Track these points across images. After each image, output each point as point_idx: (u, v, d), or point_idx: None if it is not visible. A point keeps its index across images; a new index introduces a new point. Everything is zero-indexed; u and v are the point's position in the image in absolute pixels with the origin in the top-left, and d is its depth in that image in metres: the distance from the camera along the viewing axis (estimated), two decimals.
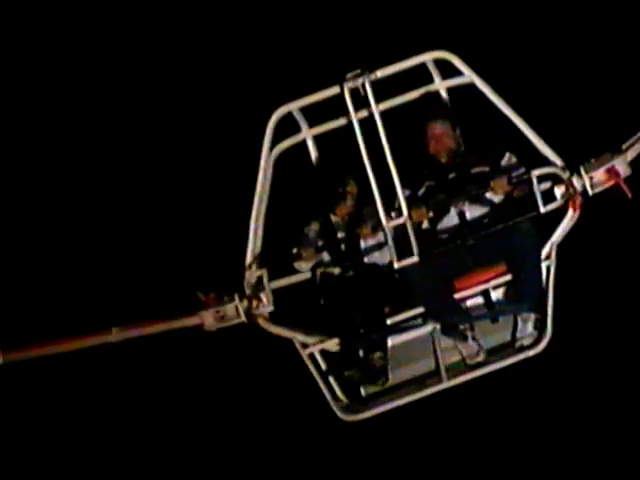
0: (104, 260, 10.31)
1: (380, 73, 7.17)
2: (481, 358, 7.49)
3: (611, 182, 7.10)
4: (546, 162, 7.29)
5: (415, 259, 7.09)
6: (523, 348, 7.49)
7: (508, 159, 7.42)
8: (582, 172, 7.13)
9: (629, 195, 7.15)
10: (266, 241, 7.57)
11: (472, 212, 7.36)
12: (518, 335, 7.54)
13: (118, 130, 10.52)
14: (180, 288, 8.18)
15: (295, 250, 7.45)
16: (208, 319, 7.30)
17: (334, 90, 7.17)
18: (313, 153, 7.81)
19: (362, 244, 7.50)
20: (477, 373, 7.49)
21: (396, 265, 7.15)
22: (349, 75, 7.11)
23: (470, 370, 7.51)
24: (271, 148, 7.44)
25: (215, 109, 9.98)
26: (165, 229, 10.01)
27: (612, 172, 7.09)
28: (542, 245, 7.27)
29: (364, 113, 7.19)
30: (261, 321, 7.32)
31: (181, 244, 9.99)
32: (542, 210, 7.13)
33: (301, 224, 7.77)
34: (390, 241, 7.12)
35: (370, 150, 7.15)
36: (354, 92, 7.15)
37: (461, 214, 7.35)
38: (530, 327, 7.47)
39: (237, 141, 9.02)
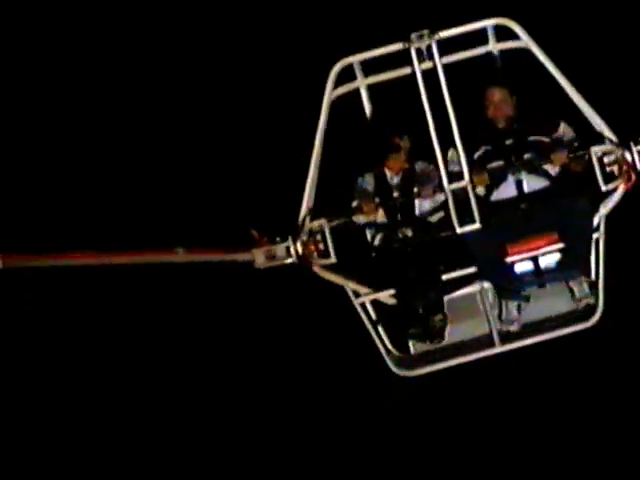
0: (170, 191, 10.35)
1: (443, 34, 7.29)
2: (514, 328, 7.68)
3: None
4: (598, 136, 7.39)
5: (477, 226, 7.22)
6: (578, 319, 7.65)
7: (563, 130, 7.50)
8: (632, 147, 7.24)
9: None
10: (320, 190, 7.63)
11: (530, 181, 7.44)
12: (579, 296, 7.68)
13: None
14: (238, 227, 8.33)
15: (355, 203, 7.59)
16: (259, 256, 7.38)
17: (398, 46, 7.29)
18: (367, 103, 7.97)
19: (417, 203, 7.58)
20: (531, 340, 7.66)
21: (458, 230, 7.24)
22: (414, 34, 7.23)
23: (525, 336, 7.68)
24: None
25: (282, 58, 10.03)
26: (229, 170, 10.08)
27: None
28: (593, 215, 7.38)
29: (427, 67, 7.29)
30: (316, 266, 7.44)
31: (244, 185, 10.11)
32: (603, 189, 7.26)
33: (354, 175, 7.83)
34: (452, 205, 7.23)
35: (430, 109, 7.29)
36: (418, 52, 7.27)
37: (519, 183, 7.45)
38: (586, 288, 7.63)
39: (301, 89, 9.01)
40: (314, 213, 7.52)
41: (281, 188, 8.60)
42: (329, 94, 7.50)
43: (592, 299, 7.60)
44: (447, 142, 7.36)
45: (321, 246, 7.41)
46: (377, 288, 7.55)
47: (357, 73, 7.73)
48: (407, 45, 7.24)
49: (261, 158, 9.83)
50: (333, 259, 7.43)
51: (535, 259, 7.39)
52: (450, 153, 7.38)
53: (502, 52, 7.83)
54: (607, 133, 7.33)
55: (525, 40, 7.42)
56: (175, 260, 7.21)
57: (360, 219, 7.58)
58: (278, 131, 9.62)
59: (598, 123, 7.36)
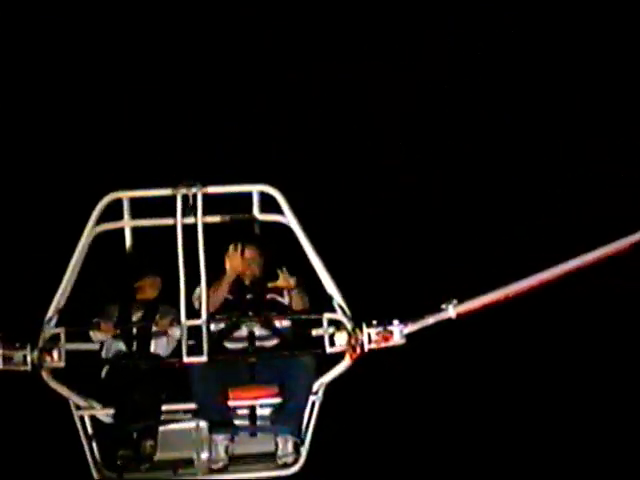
0: None
1: (211, 190, 7.85)
2: (221, 465, 7.96)
3: (382, 344, 7.75)
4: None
5: (204, 359, 7.62)
6: (282, 466, 7.95)
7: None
8: (363, 328, 7.74)
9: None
10: (71, 306, 7.94)
11: (261, 334, 7.95)
12: (279, 453, 8.01)
13: None
14: None
15: (96, 320, 7.97)
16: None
17: (166, 191, 7.83)
18: (128, 241, 8.48)
19: (153, 337, 8.09)
20: (231, 477, 7.99)
21: (185, 360, 7.64)
22: (184, 182, 7.78)
23: (226, 473, 8.00)
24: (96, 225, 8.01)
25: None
26: None
27: (387, 336, 7.76)
28: (315, 380, 7.83)
29: (189, 220, 7.76)
30: (44, 374, 7.65)
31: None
32: (328, 351, 7.76)
33: (105, 301, 8.27)
34: (185, 336, 7.64)
35: (184, 252, 7.74)
36: (183, 199, 7.80)
37: (251, 335, 7.94)
38: (290, 447, 7.95)
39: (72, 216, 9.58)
40: (57, 323, 7.78)
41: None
42: (91, 226, 7.89)
43: (291, 459, 7.93)
44: (195, 283, 7.78)
45: (55, 354, 7.64)
46: (102, 404, 7.85)
47: (125, 211, 8.16)
48: (174, 192, 7.77)
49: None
50: (62, 364, 7.64)
51: (252, 408, 7.81)
52: (197, 291, 7.79)
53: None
54: (344, 307, 7.79)
55: (286, 214, 7.95)
56: None
57: (97, 336, 7.98)
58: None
59: (336, 296, 7.82)
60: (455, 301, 7.79)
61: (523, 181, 11.44)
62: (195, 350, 7.73)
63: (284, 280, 8.04)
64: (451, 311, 7.75)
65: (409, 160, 11.58)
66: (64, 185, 10.52)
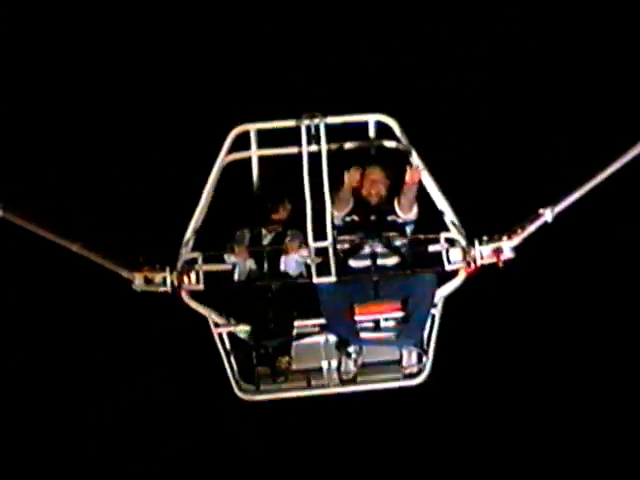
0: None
1: (331, 119, 8.41)
2: (350, 377, 8.59)
3: (494, 260, 8.32)
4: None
5: (333, 279, 8.22)
6: (407, 376, 8.56)
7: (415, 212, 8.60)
8: (476, 245, 8.32)
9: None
10: (205, 231, 8.59)
11: (383, 255, 8.43)
12: (404, 363, 8.61)
13: None
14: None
15: (230, 244, 8.50)
16: (138, 279, 8.30)
17: (291, 122, 8.42)
18: (255, 170, 8.92)
19: (283, 257, 8.53)
20: (360, 388, 8.63)
21: (315, 280, 8.24)
22: (306, 114, 8.37)
23: (355, 384, 8.62)
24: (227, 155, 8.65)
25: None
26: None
27: (498, 252, 8.33)
28: (434, 294, 8.37)
29: (313, 148, 8.38)
30: (184, 294, 8.33)
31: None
32: (447, 268, 8.32)
33: (236, 227, 8.79)
34: (313, 258, 8.26)
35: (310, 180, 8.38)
36: (307, 130, 8.40)
37: (373, 255, 8.42)
38: (414, 359, 8.53)
39: (202, 146, 9.82)
40: (193, 248, 8.45)
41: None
42: (223, 156, 8.58)
43: (415, 369, 8.56)
44: (320, 209, 8.39)
45: (193, 276, 8.32)
46: (237, 322, 8.47)
47: (252, 141, 8.73)
48: (298, 123, 8.38)
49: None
50: (201, 286, 8.32)
51: (377, 322, 8.38)
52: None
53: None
54: (458, 226, 8.41)
55: (402, 140, 8.58)
56: (72, 249, 8.21)
57: (231, 258, 8.50)
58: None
59: (451, 215, 8.45)
60: (549, 207, 8.25)
61: None
62: (323, 271, 8.29)
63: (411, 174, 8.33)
64: (548, 215, 8.21)
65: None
66: (196, 119, 10.87)
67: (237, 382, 8.59)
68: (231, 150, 8.72)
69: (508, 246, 8.36)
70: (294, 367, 8.61)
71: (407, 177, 8.26)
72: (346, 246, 8.46)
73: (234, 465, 11.61)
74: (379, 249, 8.46)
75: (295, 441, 11.29)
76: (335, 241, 8.34)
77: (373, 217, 8.54)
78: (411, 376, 8.59)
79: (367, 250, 8.45)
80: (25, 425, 11.23)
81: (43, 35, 11.33)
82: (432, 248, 8.46)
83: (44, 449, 11.25)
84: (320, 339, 8.57)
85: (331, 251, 8.28)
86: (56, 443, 11.28)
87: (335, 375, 8.60)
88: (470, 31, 11.02)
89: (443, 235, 8.37)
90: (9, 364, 11.17)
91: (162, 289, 8.34)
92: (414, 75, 11.27)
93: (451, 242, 8.46)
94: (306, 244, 8.31)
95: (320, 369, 8.69)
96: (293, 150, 8.63)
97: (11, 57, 11.33)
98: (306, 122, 8.37)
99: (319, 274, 8.27)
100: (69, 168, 11.07)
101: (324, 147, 8.39)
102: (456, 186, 8.98)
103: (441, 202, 8.52)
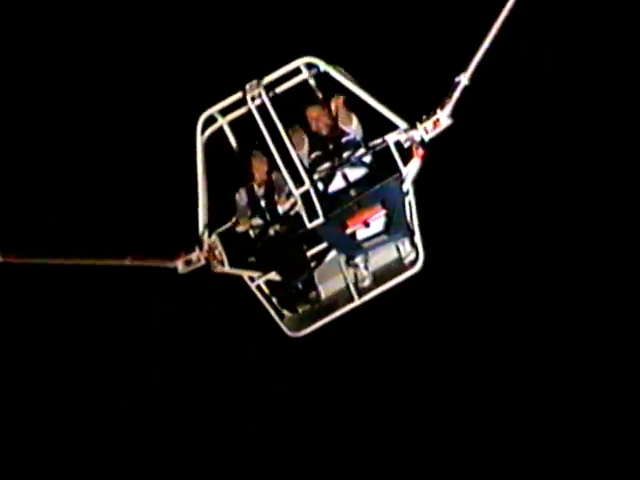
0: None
1: (267, 79, 9.72)
2: (366, 284, 10.22)
3: (437, 130, 9.65)
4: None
5: (321, 220, 9.67)
6: (410, 264, 10.18)
7: (355, 125, 9.96)
8: (418, 126, 9.66)
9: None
10: (211, 210, 10.11)
11: (352, 173, 9.88)
12: (403, 254, 10.25)
13: None
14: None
15: (234, 219, 10.13)
16: (181, 265, 10.17)
17: (238, 95, 9.76)
18: (230, 136, 10.34)
19: (279, 207, 10.00)
20: (379, 290, 10.24)
21: (308, 226, 9.70)
22: (247, 85, 9.69)
23: (374, 288, 10.26)
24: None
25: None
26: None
27: (436, 123, 9.66)
28: (401, 186, 9.84)
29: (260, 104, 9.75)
30: (217, 267, 10.02)
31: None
32: (402, 169, 9.70)
33: (232, 191, 10.31)
34: (301, 206, 9.67)
35: (272, 135, 9.70)
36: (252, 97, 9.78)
37: (344, 175, 9.89)
38: (408, 247, 10.16)
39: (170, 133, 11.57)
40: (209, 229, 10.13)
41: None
42: (200, 137, 9.95)
43: (413, 254, 10.11)
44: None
45: (217, 253, 10.00)
46: (265, 271, 10.14)
47: (217, 117, 10.01)
48: (244, 94, 9.69)
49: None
50: (226, 268, 9.98)
51: (368, 225, 9.84)
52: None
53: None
54: (398, 121, 9.69)
55: (330, 72, 9.74)
56: (126, 264, 9.97)
57: (240, 228, 10.10)
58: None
59: (389, 114, 9.71)
60: (462, 74, 9.50)
61: None
62: (311, 213, 9.67)
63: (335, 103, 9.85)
64: (464, 79, 9.54)
65: None
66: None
67: (282, 318, 10.35)
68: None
69: (444, 115, 9.66)
70: (323, 296, 10.32)
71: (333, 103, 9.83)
72: (321, 181, 9.85)
73: (234, 465, 12.59)
74: (347, 169, 9.86)
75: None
76: (313, 182, 9.65)
77: (331, 145, 9.89)
78: (413, 263, 10.12)
79: (338, 174, 9.85)
80: (25, 425, 12.12)
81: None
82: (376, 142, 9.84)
83: (44, 449, 12.14)
84: (332, 258, 10.19)
85: (313, 193, 9.60)
86: (56, 443, 12.15)
87: (355, 287, 10.19)
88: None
89: (388, 136, 9.68)
90: (9, 364, 12.14)
91: (199, 265, 10.08)
92: None
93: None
94: (291, 194, 9.69)
95: (343, 288, 10.33)
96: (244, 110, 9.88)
97: (11, 57, 12.33)
98: (250, 93, 9.66)
99: (310, 219, 9.64)
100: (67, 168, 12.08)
101: (268, 104, 9.61)
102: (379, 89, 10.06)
103: (377, 105, 9.71)
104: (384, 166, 9.84)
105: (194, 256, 10.11)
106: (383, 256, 10.31)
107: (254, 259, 10.23)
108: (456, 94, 9.62)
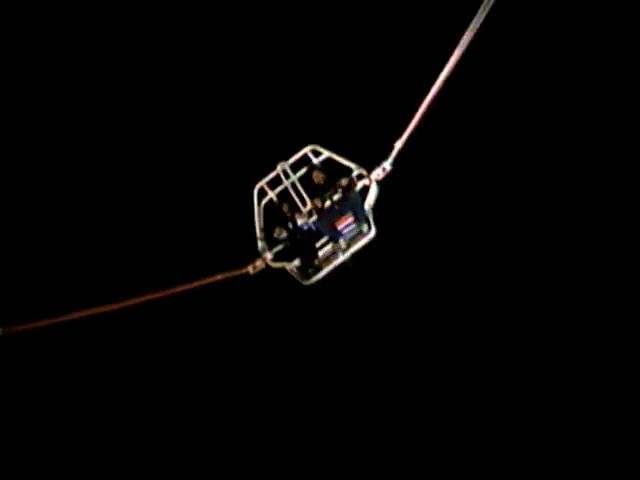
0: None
1: (290, 161, 16.66)
2: (344, 247, 17.12)
3: (384, 174, 16.22)
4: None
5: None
6: (364, 236, 16.90)
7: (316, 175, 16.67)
8: (372, 172, 16.31)
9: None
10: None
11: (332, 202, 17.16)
12: (364, 231, 16.94)
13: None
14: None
15: (276, 230, 16.92)
16: (251, 269, 16.69)
17: (274, 174, 16.83)
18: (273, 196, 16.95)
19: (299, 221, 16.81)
20: (352, 250, 16.95)
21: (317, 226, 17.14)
22: (279, 165, 16.74)
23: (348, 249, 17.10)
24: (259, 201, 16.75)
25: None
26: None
27: (384, 170, 16.16)
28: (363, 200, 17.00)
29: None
30: (271, 263, 16.83)
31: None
32: (367, 202, 16.86)
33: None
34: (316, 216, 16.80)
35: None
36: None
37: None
38: (366, 227, 16.89)
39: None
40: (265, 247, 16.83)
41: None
42: (257, 206, 16.83)
43: (365, 227, 16.76)
44: None
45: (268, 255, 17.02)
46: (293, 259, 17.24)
47: (266, 189, 16.89)
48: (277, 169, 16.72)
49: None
50: (279, 264, 16.84)
51: (347, 224, 16.96)
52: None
53: None
54: (355, 167, 16.54)
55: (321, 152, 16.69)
56: (215, 281, 15.74)
57: (276, 234, 17.00)
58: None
59: (349, 164, 16.53)
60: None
61: None
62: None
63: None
64: (399, 143, 15.66)
65: None
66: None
67: (306, 279, 17.10)
68: None
69: (387, 164, 15.95)
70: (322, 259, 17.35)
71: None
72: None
73: (233, 465, 14.37)
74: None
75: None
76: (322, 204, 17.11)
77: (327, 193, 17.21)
78: (368, 233, 16.90)
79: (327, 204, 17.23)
80: (25, 425, 12.52)
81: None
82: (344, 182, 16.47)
83: (44, 449, 12.51)
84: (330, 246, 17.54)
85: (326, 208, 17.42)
86: (56, 443, 12.55)
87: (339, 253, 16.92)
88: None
89: (354, 174, 16.46)
90: (9, 364, 12.73)
91: (260, 268, 16.68)
92: None
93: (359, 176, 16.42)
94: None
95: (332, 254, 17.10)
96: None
97: (11, 57, 13.53)
98: (279, 169, 16.66)
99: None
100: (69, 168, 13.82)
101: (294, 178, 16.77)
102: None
103: (345, 161, 16.49)
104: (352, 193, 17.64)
105: (258, 262, 16.79)
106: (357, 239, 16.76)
107: (289, 251, 16.91)
108: (393, 153, 15.60)
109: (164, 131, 15.63)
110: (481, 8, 12.15)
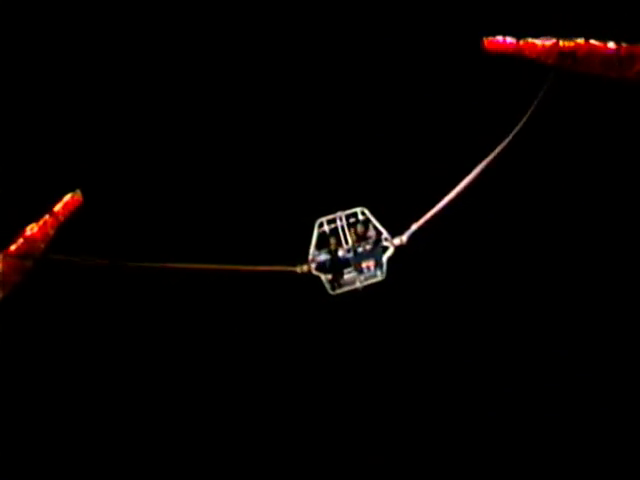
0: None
1: (345, 213, 23.91)
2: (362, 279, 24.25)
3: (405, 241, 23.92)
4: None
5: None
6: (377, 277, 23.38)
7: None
8: (397, 238, 23.43)
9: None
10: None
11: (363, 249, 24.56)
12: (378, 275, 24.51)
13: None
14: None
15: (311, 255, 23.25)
16: (298, 269, 22.98)
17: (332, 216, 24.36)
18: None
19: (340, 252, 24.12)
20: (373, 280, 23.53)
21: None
22: (337, 215, 24.10)
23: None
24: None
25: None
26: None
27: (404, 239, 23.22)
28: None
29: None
30: (314, 271, 23.16)
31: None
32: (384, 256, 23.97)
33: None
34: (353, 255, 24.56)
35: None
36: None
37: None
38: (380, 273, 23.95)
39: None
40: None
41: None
42: (315, 231, 23.54)
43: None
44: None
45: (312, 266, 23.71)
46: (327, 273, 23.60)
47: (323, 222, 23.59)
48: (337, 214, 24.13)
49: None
50: (317, 273, 22.83)
51: (369, 266, 23.69)
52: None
53: None
54: (384, 230, 23.42)
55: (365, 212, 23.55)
56: (273, 270, 22.90)
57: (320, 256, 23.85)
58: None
59: (378, 226, 23.44)
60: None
61: None
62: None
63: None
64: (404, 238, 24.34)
65: None
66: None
67: (332, 290, 23.04)
68: None
69: (405, 236, 22.90)
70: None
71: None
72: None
73: (234, 464, 14.23)
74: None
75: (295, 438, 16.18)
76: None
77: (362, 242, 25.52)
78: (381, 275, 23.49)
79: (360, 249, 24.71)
80: (26, 425, 11.84)
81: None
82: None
83: (44, 449, 11.84)
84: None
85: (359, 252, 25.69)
86: (56, 443, 11.83)
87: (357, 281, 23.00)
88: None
89: (384, 236, 22.87)
90: (10, 364, 12.07)
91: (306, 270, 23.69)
92: None
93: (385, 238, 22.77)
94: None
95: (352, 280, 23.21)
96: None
97: (11, 57, 12.61)
98: (338, 214, 24.48)
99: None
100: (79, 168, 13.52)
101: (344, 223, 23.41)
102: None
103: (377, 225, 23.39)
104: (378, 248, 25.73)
105: (305, 267, 22.97)
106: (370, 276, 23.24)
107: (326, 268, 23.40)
108: (409, 232, 22.72)
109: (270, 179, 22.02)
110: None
